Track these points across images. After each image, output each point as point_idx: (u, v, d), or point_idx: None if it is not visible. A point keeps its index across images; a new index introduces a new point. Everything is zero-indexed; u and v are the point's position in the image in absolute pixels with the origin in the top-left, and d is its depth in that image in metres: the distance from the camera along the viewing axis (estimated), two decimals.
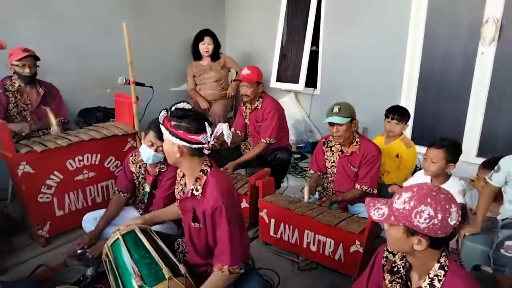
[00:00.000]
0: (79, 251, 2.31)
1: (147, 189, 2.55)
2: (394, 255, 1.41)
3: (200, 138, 1.58)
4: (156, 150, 2.27)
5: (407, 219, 1.16)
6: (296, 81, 4.25)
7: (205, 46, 4.04)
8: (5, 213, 2.66)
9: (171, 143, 1.59)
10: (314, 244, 2.36)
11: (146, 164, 2.47)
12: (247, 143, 3.36)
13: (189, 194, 1.68)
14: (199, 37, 4.08)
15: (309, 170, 2.85)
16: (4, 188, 3.15)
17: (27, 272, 2.34)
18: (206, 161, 1.69)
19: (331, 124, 2.53)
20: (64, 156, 2.59)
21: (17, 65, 2.76)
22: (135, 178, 2.56)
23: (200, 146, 1.60)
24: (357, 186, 2.60)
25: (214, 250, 1.70)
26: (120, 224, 2.52)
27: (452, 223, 1.14)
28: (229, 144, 2.03)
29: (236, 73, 4.28)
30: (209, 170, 1.68)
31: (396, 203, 1.21)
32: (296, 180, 3.62)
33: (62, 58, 3.50)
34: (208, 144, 1.61)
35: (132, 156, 2.57)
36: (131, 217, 2.60)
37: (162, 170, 2.43)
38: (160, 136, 2.17)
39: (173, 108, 1.61)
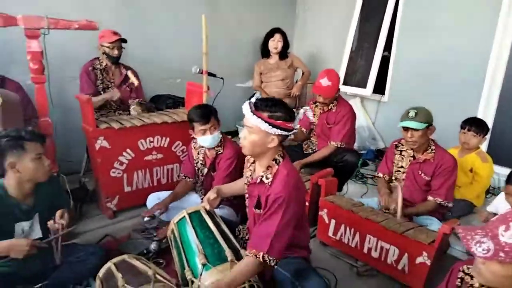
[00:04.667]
0: (146, 219, 2.41)
1: (205, 172, 2.61)
2: (471, 277, 1.28)
3: (293, 125, 1.61)
4: (211, 133, 2.39)
5: None
6: (363, 86, 4.14)
7: (275, 43, 4.06)
8: (82, 183, 2.85)
9: (265, 133, 1.58)
10: (376, 250, 2.26)
11: (204, 149, 2.56)
12: (309, 143, 3.32)
13: (258, 180, 1.69)
14: (269, 34, 4.11)
15: (378, 173, 2.74)
16: (78, 161, 3.40)
17: (95, 240, 2.48)
18: (280, 151, 1.69)
19: (405, 129, 2.42)
20: (137, 135, 2.73)
21: (107, 47, 2.98)
22: (195, 163, 2.64)
23: (292, 133, 1.62)
24: (430, 198, 2.44)
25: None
26: (184, 207, 2.64)
27: None
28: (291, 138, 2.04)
29: (303, 73, 4.26)
30: (281, 160, 1.68)
31: (504, 236, 1.06)
32: (355, 186, 3.52)
33: (140, 45, 3.68)
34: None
35: (193, 142, 2.66)
36: (193, 200, 2.70)
37: (219, 153, 2.50)
38: (205, 122, 2.35)
39: (253, 100, 1.62)
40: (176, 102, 3.63)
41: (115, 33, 2.98)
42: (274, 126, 1.56)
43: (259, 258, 1.54)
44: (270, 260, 1.55)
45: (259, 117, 1.56)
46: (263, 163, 1.69)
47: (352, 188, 3.36)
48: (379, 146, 4.25)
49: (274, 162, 1.67)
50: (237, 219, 2.57)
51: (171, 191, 2.64)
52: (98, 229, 2.66)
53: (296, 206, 1.63)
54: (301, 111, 3.31)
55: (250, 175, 1.81)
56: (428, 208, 2.45)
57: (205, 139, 2.40)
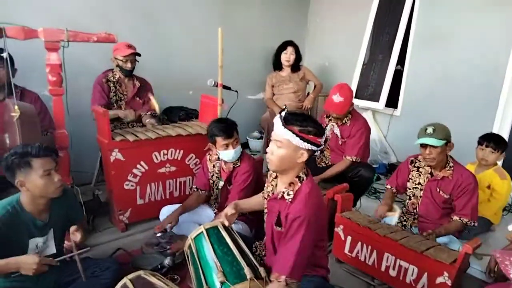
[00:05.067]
0: (158, 234, 2.38)
1: (221, 186, 2.59)
2: None
3: (322, 140, 1.59)
4: (233, 148, 2.39)
5: None
6: (376, 99, 4.12)
7: (287, 56, 4.07)
8: (96, 195, 2.84)
9: (295, 148, 1.57)
10: (394, 269, 2.21)
11: (220, 162, 2.55)
12: (322, 156, 3.29)
13: (279, 196, 1.66)
14: (282, 47, 4.12)
15: (386, 185, 2.71)
16: (90, 172, 3.40)
17: (106, 253, 2.46)
18: (304, 168, 1.67)
19: (423, 146, 2.39)
20: (151, 148, 2.72)
21: (121, 60, 2.98)
22: (210, 177, 2.63)
23: (320, 149, 1.61)
24: (456, 218, 2.40)
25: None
26: (196, 220, 2.62)
27: None
28: None
29: (315, 86, 4.25)
30: (305, 178, 1.65)
31: None
32: (368, 201, 3.47)
33: (153, 56, 3.70)
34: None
35: (208, 155, 2.65)
36: (206, 214, 2.68)
37: (236, 166, 2.48)
38: (227, 136, 2.35)
39: (283, 114, 1.59)
40: (189, 114, 3.63)
41: (130, 46, 2.99)
42: (305, 140, 1.55)
43: (281, 282, 1.52)
44: (293, 282, 1.53)
45: (290, 130, 1.55)
46: (286, 179, 1.66)
47: (365, 203, 3.31)
48: (391, 160, 4.21)
49: (297, 179, 1.64)
50: (251, 234, 2.54)
51: (185, 201, 2.62)
52: (110, 242, 2.64)
53: (317, 226, 1.60)
54: None
55: (271, 190, 1.78)
56: (456, 229, 2.44)
57: (228, 153, 2.39)
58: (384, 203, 2.58)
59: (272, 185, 1.79)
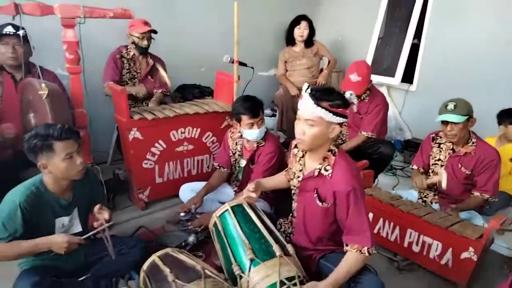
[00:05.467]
0: (182, 215, 2.38)
1: (242, 164, 2.58)
2: None
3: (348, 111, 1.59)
4: (258, 127, 2.35)
5: None
6: (391, 74, 4.04)
7: (301, 31, 3.97)
8: (116, 174, 2.84)
9: (327, 124, 1.55)
10: (417, 245, 2.22)
11: (243, 140, 2.52)
12: (339, 133, 3.25)
13: (316, 174, 1.64)
14: (295, 22, 4.02)
15: (412, 165, 2.68)
16: (105, 152, 3.38)
17: (127, 231, 2.47)
18: (334, 141, 1.65)
19: (445, 123, 2.34)
20: (169, 126, 2.70)
21: (137, 37, 2.92)
22: (231, 154, 2.61)
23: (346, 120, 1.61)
24: (477, 193, 2.39)
25: (344, 227, 1.64)
26: (216, 198, 2.62)
27: None
28: None
29: (329, 62, 4.17)
30: (336, 150, 1.64)
31: None
32: (385, 177, 3.45)
33: (166, 34, 3.61)
34: None
35: (230, 132, 2.62)
36: (226, 192, 2.67)
37: (260, 145, 2.45)
38: (253, 115, 2.31)
39: (309, 91, 1.56)
40: (203, 91, 3.58)
41: (146, 23, 2.93)
42: (337, 114, 1.54)
43: (364, 253, 1.55)
44: (374, 250, 1.58)
45: (323, 107, 1.52)
46: (318, 156, 1.65)
47: (382, 180, 3.30)
48: (406, 137, 4.17)
49: (330, 153, 1.63)
50: (271, 212, 2.54)
51: (204, 183, 2.61)
52: (130, 221, 2.65)
53: (363, 192, 1.63)
54: None
55: (300, 170, 1.76)
56: (476, 204, 2.42)
57: (253, 133, 2.35)
58: (416, 175, 2.54)
59: (300, 164, 1.76)
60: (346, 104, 1.58)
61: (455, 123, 2.30)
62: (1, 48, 2.31)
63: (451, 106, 2.32)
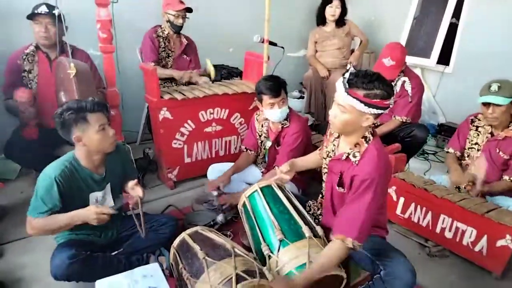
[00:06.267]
0: (214, 193, 2.40)
1: (268, 146, 2.57)
2: None
3: (391, 101, 1.48)
4: (279, 107, 2.31)
5: None
6: (427, 55, 3.87)
7: (333, 10, 3.84)
8: (146, 153, 2.89)
9: (360, 113, 1.47)
10: (450, 231, 2.16)
11: (268, 122, 2.49)
12: None
13: (344, 157, 1.60)
14: (327, 0, 3.89)
15: (448, 148, 2.57)
16: (134, 131, 3.45)
17: (157, 209, 2.52)
18: (370, 128, 1.58)
19: (486, 104, 2.23)
20: (198, 107, 2.70)
21: (173, 15, 2.93)
22: (257, 136, 2.59)
23: (387, 110, 1.50)
24: (506, 177, 2.27)
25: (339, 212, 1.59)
26: (243, 179, 2.62)
27: None
28: None
29: (360, 42, 4.03)
30: (371, 138, 1.57)
31: None
32: (417, 162, 3.36)
33: (195, 14, 3.59)
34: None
35: (256, 114, 2.60)
36: (253, 173, 2.67)
37: (284, 126, 2.43)
38: (275, 95, 2.27)
39: (347, 75, 1.48)
40: (231, 72, 3.55)
41: (182, 2, 2.93)
42: (370, 105, 1.44)
43: (347, 244, 1.47)
44: (359, 245, 1.48)
45: (354, 96, 1.44)
46: (351, 140, 1.59)
47: (413, 165, 3.21)
48: (440, 121, 4.02)
49: (363, 140, 1.56)
50: (299, 194, 2.53)
51: (232, 163, 2.62)
52: (159, 199, 2.70)
53: (384, 188, 1.54)
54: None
55: (333, 151, 1.72)
56: (504, 188, 2.29)
57: (273, 113, 2.32)
58: (454, 169, 2.42)
59: (334, 144, 1.72)
60: (387, 94, 1.45)
61: (498, 106, 2.18)
62: (35, 27, 2.36)
63: (494, 87, 2.19)
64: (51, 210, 1.67)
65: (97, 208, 1.70)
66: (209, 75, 3.08)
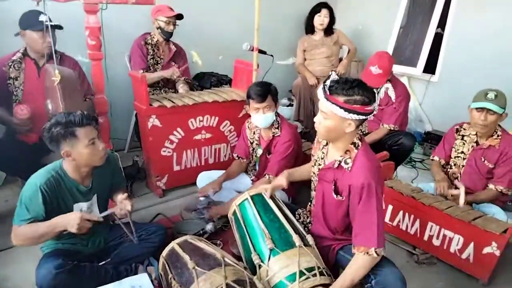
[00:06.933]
0: (202, 199, 2.39)
1: (259, 154, 2.57)
2: None
3: (373, 107, 1.50)
4: (263, 113, 2.31)
5: None
6: (413, 64, 3.94)
7: (321, 19, 3.89)
8: (135, 161, 2.87)
9: (342, 119, 1.50)
10: (437, 238, 2.18)
11: (260, 129, 2.49)
12: None
13: (335, 165, 1.61)
14: (315, 9, 3.94)
15: (433, 156, 2.62)
16: (122, 139, 3.41)
17: (145, 218, 2.49)
18: (358, 134, 1.60)
19: (479, 110, 2.26)
20: (188, 114, 2.70)
21: (164, 21, 2.93)
22: (249, 144, 2.60)
23: (370, 116, 1.53)
24: (491, 186, 2.32)
25: (352, 225, 1.61)
26: (234, 188, 2.62)
27: None
28: None
29: (349, 51, 4.09)
30: (360, 144, 1.59)
31: None
32: (404, 170, 3.40)
33: (185, 22, 3.59)
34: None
35: (248, 122, 2.60)
36: (243, 181, 2.67)
37: (276, 135, 2.43)
38: (261, 100, 2.27)
39: (328, 83, 1.51)
40: (220, 80, 3.56)
41: (171, 9, 2.94)
42: (350, 111, 1.46)
43: (371, 254, 1.49)
44: (382, 250, 1.51)
45: (333, 102, 1.47)
46: (340, 147, 1.61)
47: (401, 173, 3.25)
48: (426, 129, 4.08)
49: (352, 146, 1.59)
50: (289, 202, 2.53)
51: (223, 171, 2.61)
52: (148, 208, 2.67)
53: (381, 190, 1.56)
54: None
55: (322, 158, 1.73)
56: (488, 197, 2.34)
57: (257, 118, 2.33)
58: (440, 179, 2.44)
59: (323, 152, 1.74)
60: (367, 100, 1.48)
61: (491, 113, 2.22)
62: (35, 36, 2.28)
63: (491, 95, 2.22)
64: (34, 218, 1.64)
65: (82, 214, 1.65)
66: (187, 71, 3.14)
